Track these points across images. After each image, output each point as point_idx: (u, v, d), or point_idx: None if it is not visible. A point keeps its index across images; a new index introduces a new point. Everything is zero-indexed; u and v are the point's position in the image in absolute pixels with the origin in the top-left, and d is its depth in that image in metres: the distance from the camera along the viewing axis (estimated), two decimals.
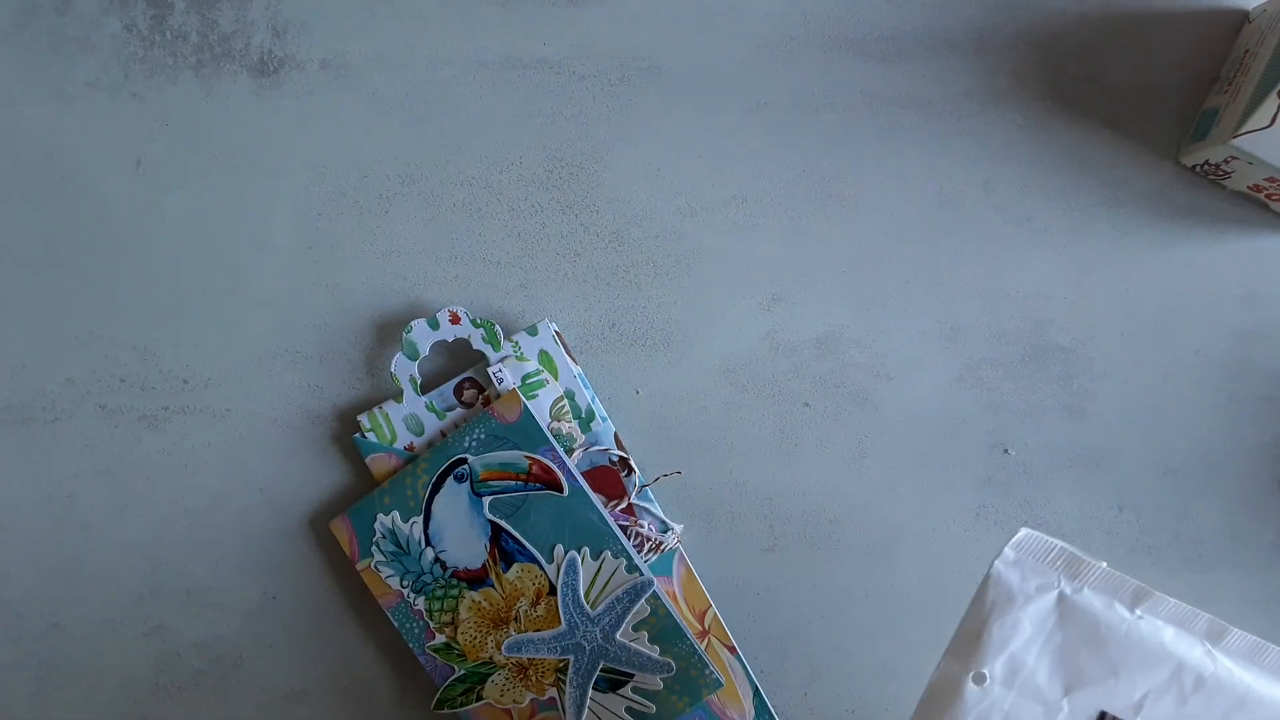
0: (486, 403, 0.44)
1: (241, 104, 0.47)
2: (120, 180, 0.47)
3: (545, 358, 0.44)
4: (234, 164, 0.47)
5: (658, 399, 0.46)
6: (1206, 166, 0.45)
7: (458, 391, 0.45)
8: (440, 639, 0.43)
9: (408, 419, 0.45)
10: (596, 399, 0.45)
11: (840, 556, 0.46)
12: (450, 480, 0.43)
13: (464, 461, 0.43)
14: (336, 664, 0.45)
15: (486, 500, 0.43)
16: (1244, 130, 0.42)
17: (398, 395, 0.45)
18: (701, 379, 0.46)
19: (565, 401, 0.44)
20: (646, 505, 0.44)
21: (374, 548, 0.44)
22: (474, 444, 0.43)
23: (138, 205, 0.47)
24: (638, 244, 0.47)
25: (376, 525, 0.43)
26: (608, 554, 0.43)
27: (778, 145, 0.47)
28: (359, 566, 0.44)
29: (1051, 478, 0.46)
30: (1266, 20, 0.45)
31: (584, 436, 0.44)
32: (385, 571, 0.43)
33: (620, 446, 0.44)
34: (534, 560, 0.43)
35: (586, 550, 0.43)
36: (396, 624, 0.44)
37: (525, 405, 0.43)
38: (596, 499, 0.43)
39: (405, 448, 0.44)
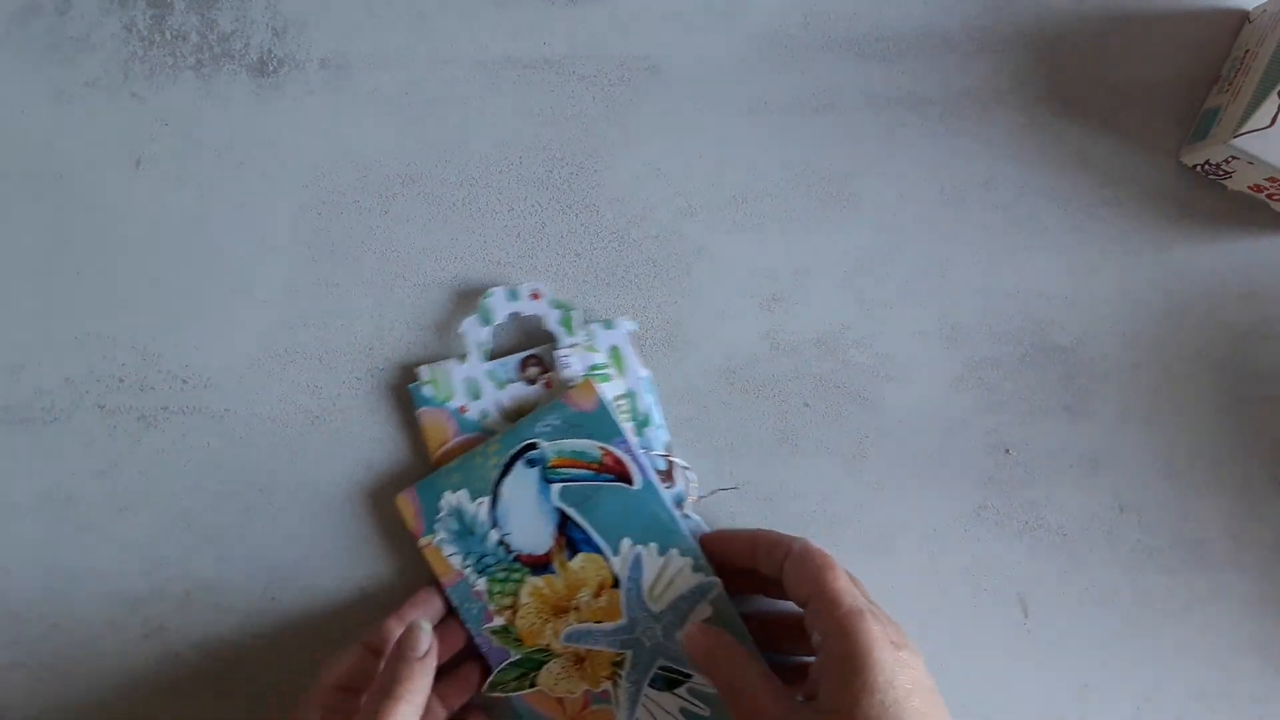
0: (549, 384, 0.44)
1: (241, 104, 0.47)
2: (120, 180, 0.47)
3: (615, 354, 0.44)
4: (234, 164, 0.47)
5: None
6: (1207, 166, 0.45)
7: (522, 366, 0.45)
8: (498, 622, 0.43)
9: (467, 381, 0.44)
10: (657, 406, 0.45)
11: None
12: (521, 464, 0.43)
13: (536, 446, 0.43)
14: None
15: (556, 487, 0.43)
16: (1244, 130, 0.42)
17: (462, 356, 0.44)
18: (701, 379, 0.46)
19: (626, 400, 0.44)
20: (689, 514, 0.44)
21: (438, 525, 0.43)
22: (547, 430, 0.43)
23: (138, 205, 0.47)
24: (638, 244, 0.47)
25: (443, 503, 0.43)
26: (675, 551, 0.42)
27: (778, 145, 0.47)
28: (421, 542, 0.43)
29: (1052, 478, 0.46)
30: (1266, 20, 0.45)
31: (635, 439, 0.44)
32: (448, 550, 0.43)
33: (670, 456, 0.44)
34: (599, 551, 0.42)
35: (654, 545, 0.42)
36: (455, 603, 0.43)
37: (601, 395, 0.43)
38: (666, 495, 0.43)
39: (458, 409, 0.44)
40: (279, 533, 0.46)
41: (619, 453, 0.43)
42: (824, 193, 0.47)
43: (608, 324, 0.45)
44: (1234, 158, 0.43)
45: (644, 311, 0.47)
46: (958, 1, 0.48)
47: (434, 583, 0.44)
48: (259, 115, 0.47)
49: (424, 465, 0.46)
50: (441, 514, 0.43)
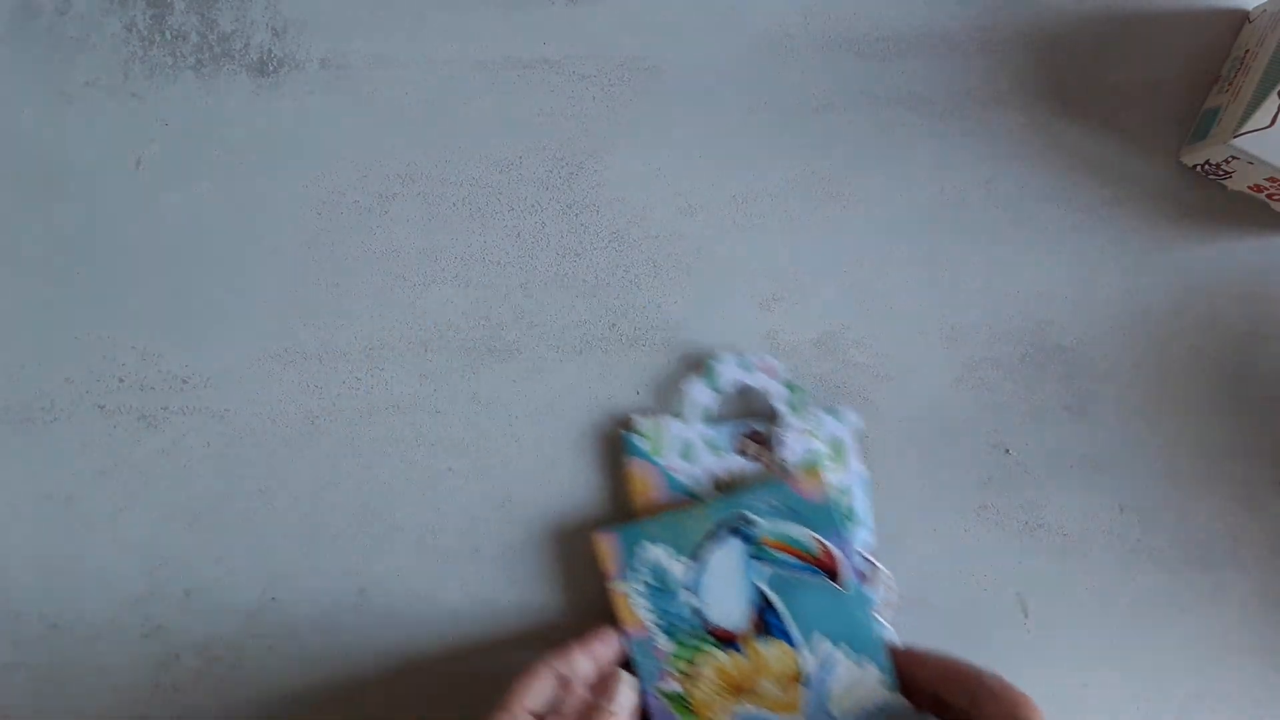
0: (764, 460, 0.43)
1: (241, 104, 0.47)
2: (120, 180, 0.47)
3: (837, 445, 0.44)
4: (234, 164, 0.47)
5: (658, 399, 0.46)
6: (1207, 166, 0.45)
7: (739, 437, 0.44)
8: (674, 687, 0.42)
9: (682, 441, 0.44)
10: (867, 505, 0.44)
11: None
12: (731, 534, 0.42)
13: (750, 521, 0.42)
14: (336, 664, 0.45)
15: (762, 567, 0.42)
16: (1244, 130, 0.42)
17: (680, 415, 0.44)
18: None
19: (810, 475, 0.43)
20: (880, 621, 0.43)
21: (634, 573, 0.42)
22: (765, 508, 0.42)
23: (137, 205, 0.47)
24: (638, 244, 0.47)
25: (643, 553, 0.42)
26: (871, 664, 0.41)
27: (778, 145, 0.47)
28: (613, 586, 0.42)
29: (1052, 478, 0.46)
30: (1266, 20, 0.45)
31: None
32: (638, 600, 0.42)
33: (872, 558, 0.43)
34: (793, 642, 0.41)
35: (851, 652, 0.41)
36: (633, 654, 0.42)
37: (828, 487, 0.42)
38: (873, 603, 0.42)
39: (668, 467, 0.44)
40: (279, 533, 0.46)
41: (834, 550, 0.41)
42: (824, 193, 0.47)
43: (836, 414, 0.44)
44: (1234, 158, 0.43)
45: (644, 311, 0.47)
46: (958, 2, 0.48)
47: (613, 623, 0.43)
48: (259, 115, 0.47)
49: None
50: (639, 564, 0.42)
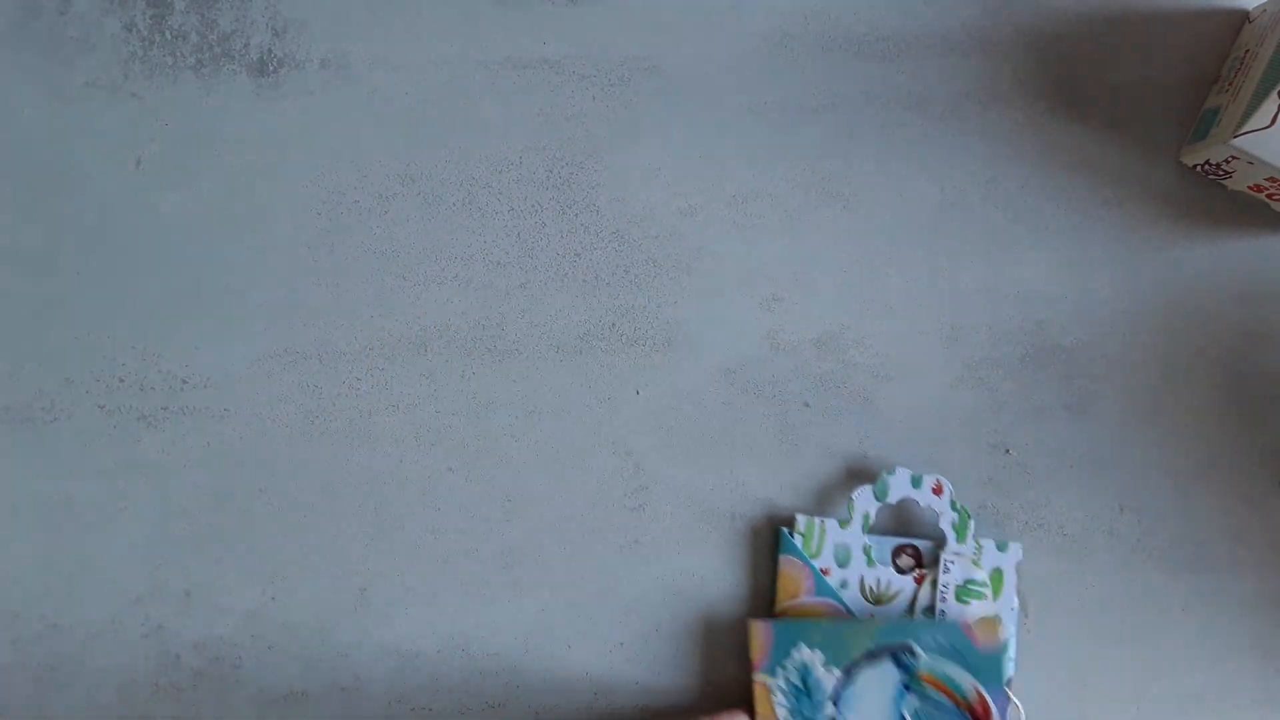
0: (919, 579, 0.43)
1: (241, 104, 0.47)
2: (120, 180, 0.47)
3: (996, 575, 0.44)
4: (234, 164, 0.47)
5: (658, 399, 0.46)
6: (1207, 166, 0.45)
7: (896, 552, 0.44)
8: None
9: (839, 547, 0.44)
10: (1015, 639, 0.44)
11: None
12: (889, 658, 0.42)
13: (913, 651, 0.42)
14: (336, 664, 0.45)
15: (912, 699, 0.42)
16: (1244, 130, 0.42)
17: (843, 521, 0.44)
18: (701, 379, 0.46)
19: (988, 624, 0.43)
20: None
21: (781, 670, 0.42)
22: (932, 642, 0.42)
23: (137, 205, 0.47)
24: (638, 244, 0.47)
25: (797, 653, 0.42)
26: None
27: (778, 145, 0.47)
28: (757, 677, 0.42)
29: (1052, 478, 0.46)
30: (1266, 20, 0.45)
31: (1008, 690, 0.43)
32: (779, 698, 0.42)
33: (1010, 691, 0.43)
34: None
35: None
36: None
37: (1005, 641, 0.42)
38: None
39: (821, 569, 0.44)
40: (279, 533, 0.46)
41: (991, 703, 0.41)
42: (824, 193, 0.47)
43: (1001, 545, 0.44)
44: (1234, 158, 0.43)
45: (644, 311, 0.47)
46: (958, 2, 0.48)
47: (746, 710, 0.43)
48: (259, 115, 0.47)
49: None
50: (790, 663, 0.42)
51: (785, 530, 0.44)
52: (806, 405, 0.46)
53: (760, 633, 0.43)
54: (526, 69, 0.48)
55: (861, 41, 0.48)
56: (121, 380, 0.46)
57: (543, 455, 0.46)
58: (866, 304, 0.47)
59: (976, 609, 0.43)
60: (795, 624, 0.43)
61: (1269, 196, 0.45)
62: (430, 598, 0.46)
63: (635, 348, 0.46)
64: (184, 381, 0.46)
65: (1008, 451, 0.46)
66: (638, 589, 0.45)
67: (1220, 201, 0.47)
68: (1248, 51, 0.45)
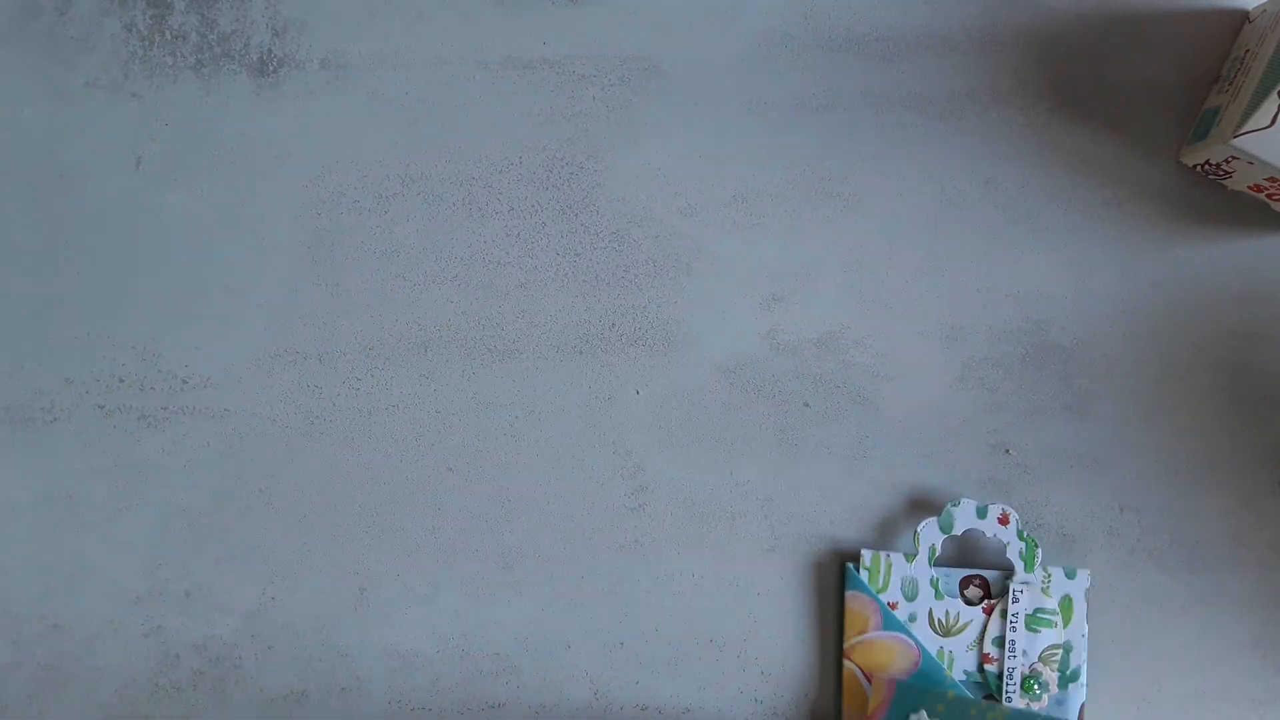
0: (988, 609, 0.43)
1: (241, 104, 0.47)
2: (120, 180, 0.47)
3: (1066, 602, 0.44)
4: (234, 164, 0.47)
5: (658, 399, 0.46)
6: (1207, 166, 0.45)
7: (964, 583, 0.44)
8: None
9: (906, 580, 0.44)
10: (1087, 665, 0.44)
11: (840, 556, 0.46)
12: None
13: None
14: (336, 664, 0.45)
15: None
16: (1244, 130, 0.42)
17: (909, 554, 0.44)
18: (701, 379, 0.46)
19: (1060, 651, 0.43)
20: None
21: None
22: None
23: (138, 205, 0.47)
24: (638, 244, 0.47)
25: (914, 717, 0.42)
26: None
27: (778, 145, 0.47)
28: None
29: (1052, 478, 0.46)
30: (1267, 20, 0.45)
31: (1055, 691, 0.43)
32: None
33: (1081, 717, 0.43)
34: None
35: None
36: None
37: (1078, 669, 0.43)
38: None
39: (889, 604, 0.44)
40: (279, 533, 0.46)
41: None
42: (824, 192, 0.47)
43: (1069, 573, 0.44)
44: (1234, 158, 0.43)
45: (644, 311, 0.47)
46: (958, 2, 0.48)
47: None
48: (259, 115, 0.47)
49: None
50: None
51: (851, 566, 0.44)
52: (806, 405, 0.46)
53: (883, 685, 0.43)
54: (526, 69, 0.48)
55: (861, 41, 0.48)
56: (121, 380, 0.46)
57: (543, 455, 0.46)
58: (866, 304, 0.47)
59: (1046, 637, 0.43)
60: (921, 689, 0.42)
61: (1269, 196, 0.45)
62: (430, 598, 0.46)
63: (635, 348, 0.46)
64: (184, 381, 0.46)
65: (1008, 451, 0.46)
66: (638, 589, 0.45)
67: (1220, 201, 0.47)
68: (1248, 51, 0.45)
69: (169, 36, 0.48)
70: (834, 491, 0.46)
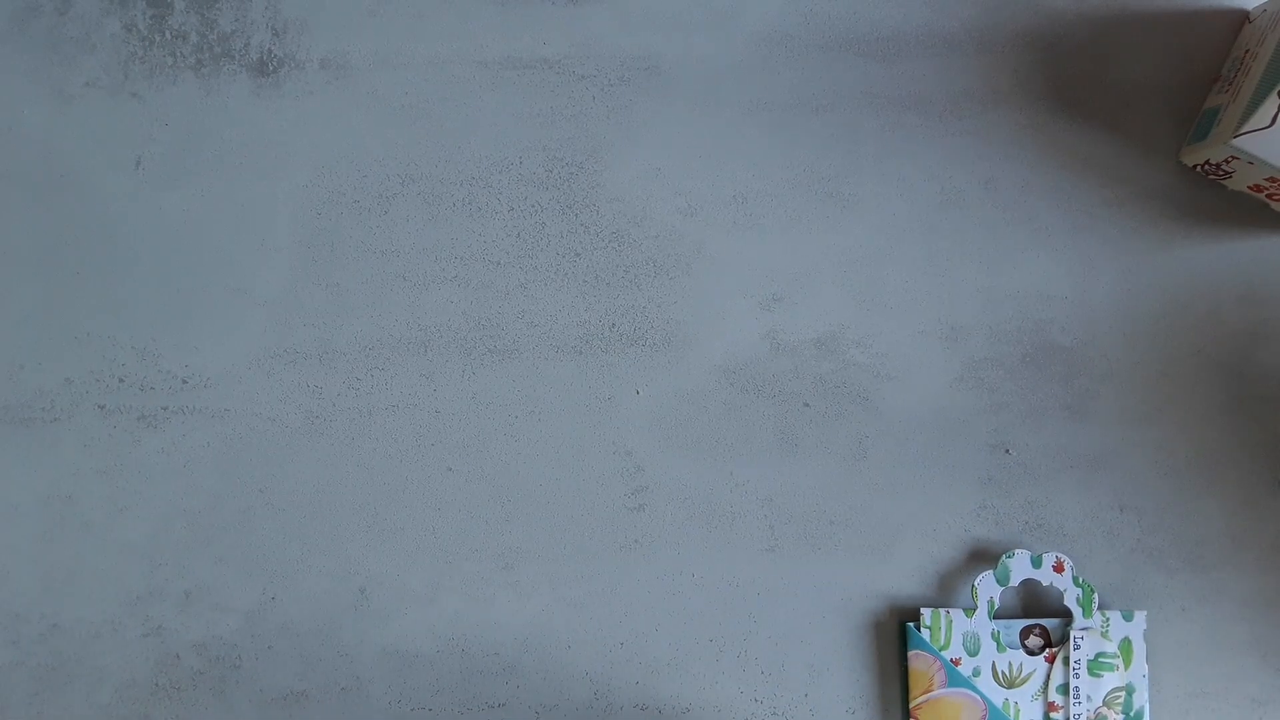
0: (1050, 658, 0.44)
1: (241, 104, 0.47)
2: (120, 180, 0.47)
3: (1125, 645, 0.44)
4: (234, 164, 0.47)
5: (658, 399, 0.46)
6: (1207, 166, 0.45)
7: (1024, 633, 0.44)
8: None
9: (967, 635, 0.44)
10: (1149, 706, 0.44)
11: (840, 556, 0.46)
12: None
13: None
14: (336, 664, 0.45)
15: None
16: (1244, 130, 0.42)
17: (968, 609, 0.44)
18: (701, 379, 0.46)
19: (1123, 694, 0.44)
20: None
21: None
22: None
23: (138, 205, 0.47)
24: (638, 244, 0.47)
25: None
26: None
27: (778, 145, 0.47)
28: None
29: (1052, 478, 0.46)
30: (1266, 20, 0.45)
31: None
32: None
33: None
34: None
35: None
36: None
37: (1141, 710, 0.43)
38: None
39: (951, 660, 0.44)
40: (279, 533, 0.46)
41: None
42: (824, 193, 0.47)
43: (1127, 615, 0.44)
44: (1234, 158, 0.43)
45: (644, 311, 0.47)
46: (958, 2, 0.48)
47: None
48: (259, 115, 0.47)
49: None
50: None
51: (911, 625, 0.44)
52: (806, 405, 0.46)
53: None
54: (526, 69, 0.48)
55: (861, 41, 0.48)
56: (121, 380, 0.46)
57: (543, 455, 0.46)
58: (866, 304, 0.47)
59: (1109, 680, 0.44)
60: None
61: (1269, 196, 0.45)
62: (430, 598, 0.46)
63: (635, 348, 0.46)
64: (184, 381, 0.46)
65: (1008, 451, 0.46)
66: (638, 589, 0.45)
67: (1220, 201, 0.47)
68: (1248, 51, 0.45)
69: (169, 36, 0.48)
70: (835, 492, 0.46)
